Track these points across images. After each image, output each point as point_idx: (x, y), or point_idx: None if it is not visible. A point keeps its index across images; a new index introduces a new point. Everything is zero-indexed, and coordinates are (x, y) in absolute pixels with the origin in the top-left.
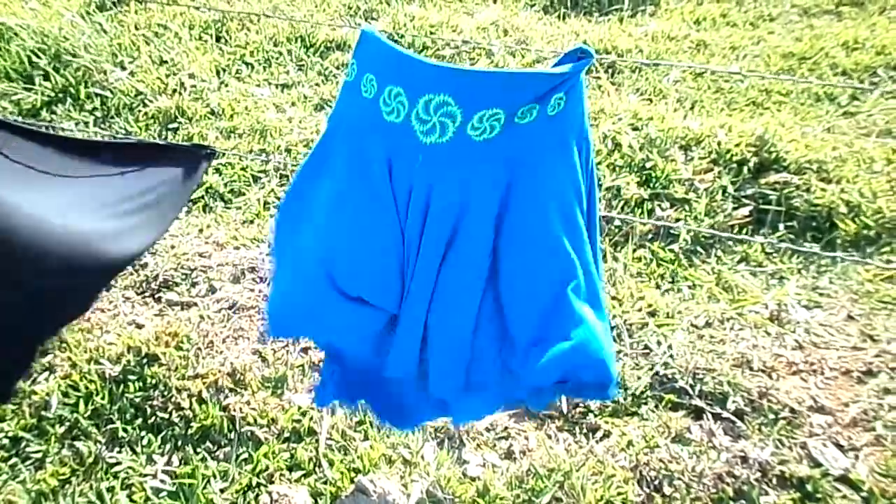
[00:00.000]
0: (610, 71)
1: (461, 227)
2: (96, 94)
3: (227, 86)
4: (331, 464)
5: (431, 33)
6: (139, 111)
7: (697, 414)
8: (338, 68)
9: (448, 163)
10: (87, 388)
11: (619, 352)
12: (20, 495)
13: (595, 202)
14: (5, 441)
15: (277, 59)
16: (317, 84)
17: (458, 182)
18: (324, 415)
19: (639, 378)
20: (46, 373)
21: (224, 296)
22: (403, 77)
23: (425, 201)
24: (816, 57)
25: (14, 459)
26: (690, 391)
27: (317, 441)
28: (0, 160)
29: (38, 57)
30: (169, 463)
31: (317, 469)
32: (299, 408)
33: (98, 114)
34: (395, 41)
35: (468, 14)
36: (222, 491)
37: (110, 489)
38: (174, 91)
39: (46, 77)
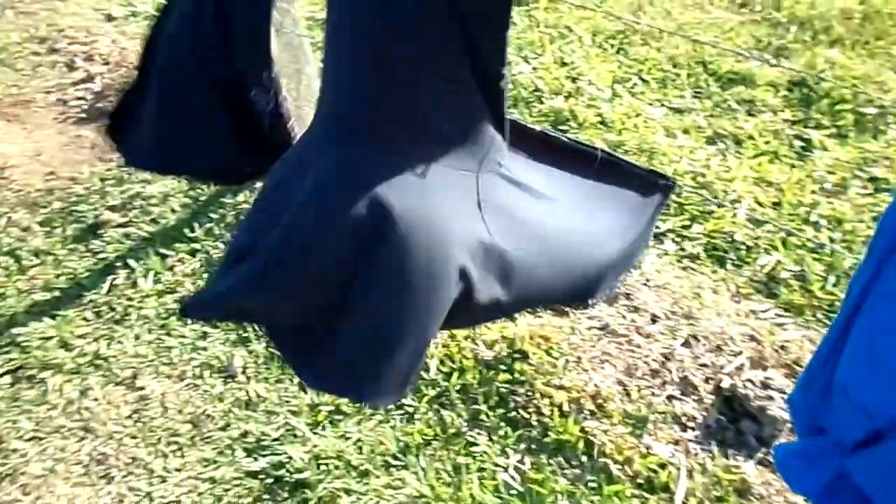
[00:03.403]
0: None
1: None
2: None
3: (619, 98)
4: None
5: (853, 86)
6: (534, 107)
7: None
8: (738, 103)
9: None
10: (460, 362)
11: None
12: (390, 440)
13: None
14: None
15: (674, 80)
16: (712, 115)
17: None
18: (682, 474)
19: None
20: None
21: (597, 314)
22: None
23: None
24: None
25: (389, 406)
26: None
27: (671, 501)
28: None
29: None
30: (521, 462)
31: None
32: (658, 458)
33: None
34: (806, 86)
35: None
36: None
37: (466, 466)
38: (569, 94)
39: None
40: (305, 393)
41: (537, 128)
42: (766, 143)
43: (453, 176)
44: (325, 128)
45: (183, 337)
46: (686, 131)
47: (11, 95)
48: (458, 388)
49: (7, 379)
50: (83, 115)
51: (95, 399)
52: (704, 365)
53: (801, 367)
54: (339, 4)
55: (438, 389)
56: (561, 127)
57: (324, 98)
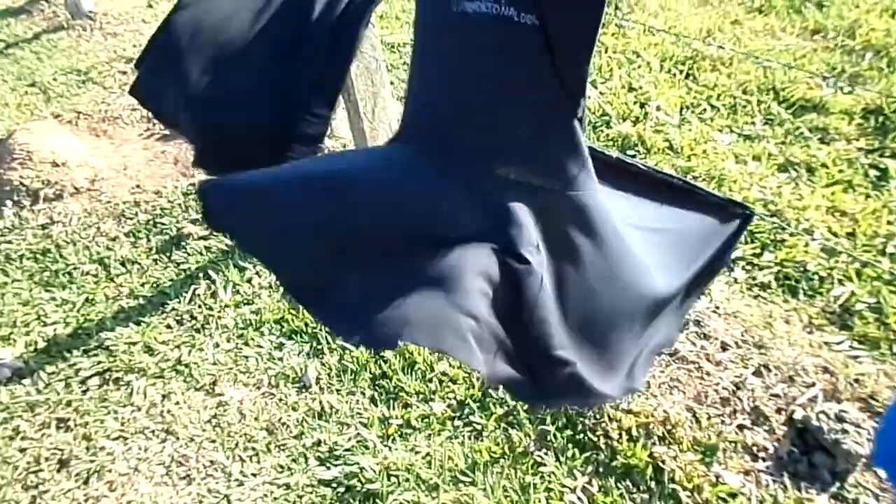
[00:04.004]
0: None
1: None
2: None
3: (688, 124)
4: None
5: None
6: (601, 132)
7: None
8: (811, 131)
9: None
10: None
11: None
12: (458, 456)
13: None
14: (454, 402)
15: (744, 107)
16: (783, 143)
17: None
18: None
19: None
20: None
21: None
22: None
23: None
24: None
25: (458, 422)
26: None
27: None
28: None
29: None
30: (589, 484)
31: None
32: (729, 487)
33: None
34: (882, 114)
35: None
36: None
37: (533, 485)
38: (637, 119)
39: None
40: (376, 406)
41: (613, 154)
42: (840, 171)
43: (530, 193)
44: (416, 142)
45: (260, 347)
46: (757, 158)
47: (100, 112)
48: (525, 407)
49: (96, 380)
50: (166, 133)
51: (177, 403)
52: (776, 395)
53: (876, 401)
54: (439, 38)
55: (506, 408)
56: (629, 152)
57: (416, 117)
